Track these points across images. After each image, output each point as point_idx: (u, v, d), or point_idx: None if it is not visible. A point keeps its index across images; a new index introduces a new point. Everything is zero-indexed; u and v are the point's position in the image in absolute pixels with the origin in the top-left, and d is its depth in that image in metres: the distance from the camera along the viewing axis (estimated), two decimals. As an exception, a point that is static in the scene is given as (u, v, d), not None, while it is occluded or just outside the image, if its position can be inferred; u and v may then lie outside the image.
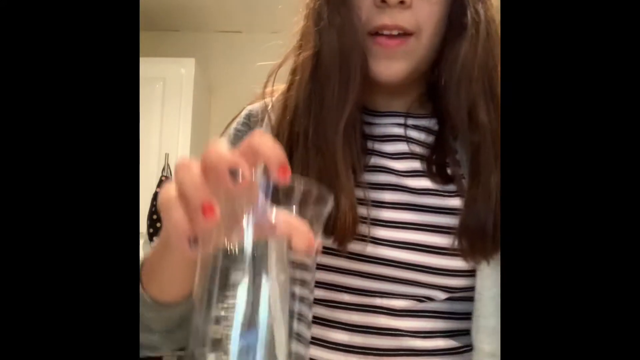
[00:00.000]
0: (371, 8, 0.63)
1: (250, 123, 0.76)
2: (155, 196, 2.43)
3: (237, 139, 0.75)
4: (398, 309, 0.65)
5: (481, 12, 0.64)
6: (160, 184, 2.52)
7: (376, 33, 0.63)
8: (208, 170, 0.39)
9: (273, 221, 0.39)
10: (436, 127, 0.70)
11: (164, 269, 0.56)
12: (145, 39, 2.53)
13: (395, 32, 0.62)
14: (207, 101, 2.89)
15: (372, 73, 0.64)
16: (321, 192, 0.41)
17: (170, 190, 0.41)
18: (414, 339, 0.65)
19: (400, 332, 0.65)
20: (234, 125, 0.77)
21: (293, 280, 0.39)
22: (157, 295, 0.58)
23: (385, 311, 0.65)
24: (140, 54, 0.48)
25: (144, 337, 0.63)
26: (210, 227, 0.38)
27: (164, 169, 2.58)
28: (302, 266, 0.40)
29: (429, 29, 0.63)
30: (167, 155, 2.58)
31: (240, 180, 0.39)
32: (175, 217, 0.40)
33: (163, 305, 0.59)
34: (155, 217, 2.44)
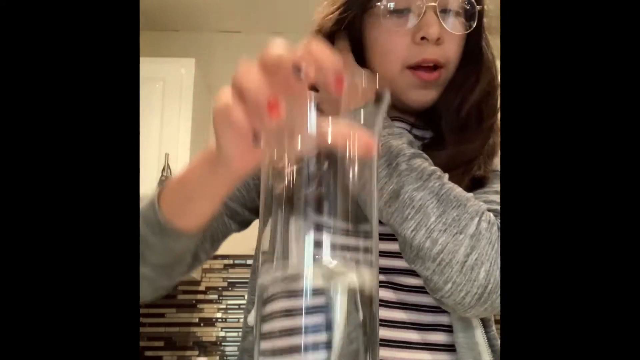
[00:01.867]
0: (410, 45, 0.71)
1: None
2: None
3: None
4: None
5: (484, 46, 0.76)
6: (160, 184, 2.52)
7: (416, 67, 0.71)
8: (270, 67, 0.39)
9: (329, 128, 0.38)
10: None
11: (195, 189, 0.54)
12: (145, 39, 2.53)
13: (431, 65, 0.71)
14: (207, 101, 2.89)
15: (408, 101, 0.74)
16: (377, 91, 0.40)
17: (225, 96, 0.40)
18: None
19: None
20: None
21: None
22: (173, 218, 0.57)
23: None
24: (140, 54, 0.49)
25: (145, 267, 0.61)
26: (275, 125, 0.37)
27: (164, 169, 2.58)
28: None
29: (455, 61, 0.73)
30: (167, 155, 2.58)
31: (304, 77, 0.37)
32: (236, 117, 0.38)
33: (172, 232, 0.57)
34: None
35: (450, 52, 0.72)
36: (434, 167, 0.66)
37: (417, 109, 0.76)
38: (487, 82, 0.75)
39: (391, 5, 0.70)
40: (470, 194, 0.66)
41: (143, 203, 0.61)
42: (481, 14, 0.73)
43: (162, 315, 2.69)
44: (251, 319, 0.75)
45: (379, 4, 0.70)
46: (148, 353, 2.68)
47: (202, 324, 2.71)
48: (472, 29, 0.72)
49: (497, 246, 0.61)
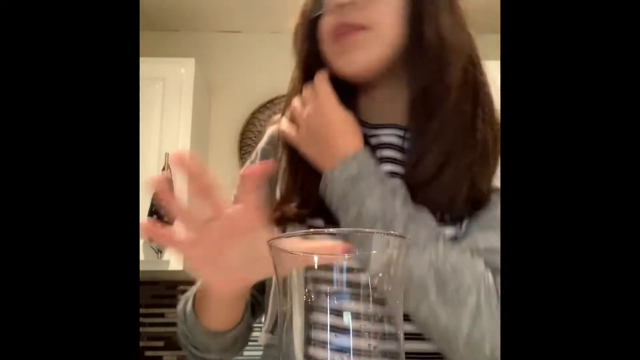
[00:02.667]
0: (331, 17, 0.71)
1: (273, 142, 0.83)
2: (155, 196, 2.42)
3: (264, 156, 0.83)
4: None
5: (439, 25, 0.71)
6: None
7: (336, 34, 0.70)
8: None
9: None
10: None
11: (211, 307, 0.67)
12: (145, 39, 2.53)
13: (350, 29, 0.69)
14: (207, 101, 2.89)
15: (338, 71, 0.71)
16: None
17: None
18: None
19: None
20: (260, 145, 0.86)
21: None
22: (209, 325, 0.69)
23: None
24: (140, 54, 0.49)
25: (202, 354, 0.73)
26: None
27: (163, 169, 2.58)
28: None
29: (386, 24, 0.69)
30: (167, 155, 2.58)
31: None
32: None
33: (216, 333, 0.69)
34: (155, 216, 2.44)
35: (375, 14, 0.68)
36: (428, 230, 0.64)
37: (352, 76, 0.72)
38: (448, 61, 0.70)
39: None
40: (468, 256, 0.63)
41: (187, 308, 0.73)
42: None
43: (162, 315, 2.69)
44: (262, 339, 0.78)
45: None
46: (148, 353, 2.68)
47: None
48: None
49: (498, 314, 0.61)
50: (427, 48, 0.69)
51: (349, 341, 0.38)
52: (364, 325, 0.39)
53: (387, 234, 0.40)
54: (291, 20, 0.81)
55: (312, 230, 0.40)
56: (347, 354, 0.37)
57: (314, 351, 0.39)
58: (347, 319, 0.38)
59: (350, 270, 0.39)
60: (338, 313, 0.39)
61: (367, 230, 0.40)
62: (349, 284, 0.39)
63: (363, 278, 0.39)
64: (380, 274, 0.39)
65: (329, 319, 0.38)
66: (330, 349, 0.38)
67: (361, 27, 0.68)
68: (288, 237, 0.41)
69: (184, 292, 0.76)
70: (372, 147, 0.72)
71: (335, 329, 0.38)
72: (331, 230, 0.40)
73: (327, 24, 0.71)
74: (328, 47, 0.72)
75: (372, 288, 0.39)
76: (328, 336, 0.38)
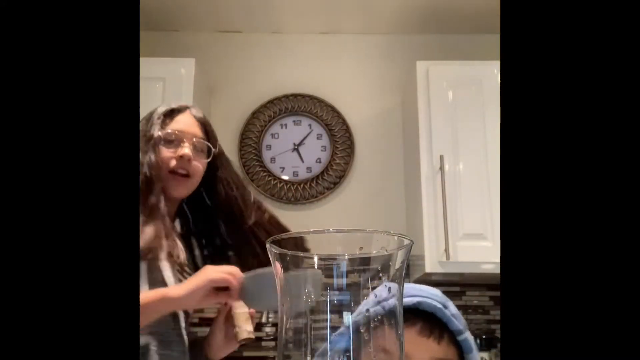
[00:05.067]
0: (172, 159, 1.27)
1: None
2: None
3: None
4: None
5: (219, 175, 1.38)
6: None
7: (173, 172, 1.27)
8: None
9: None
10: None
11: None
12: (145, 39, 2.52)
13: (184, 173, 1.28)
14: (207, 101, 2.89)
15: (172, 192, 1.28)
16: None
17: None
18: None
19: None
20: None
21: None
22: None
23: None
24: (140, 54, 0.48)
25: None
26: None
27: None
28: None
29: (198, 175, 1.31)
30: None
31: None
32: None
33: None
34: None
35: (195, 168, 1.29)
36: None
37: (176, 197, 1.30)
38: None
39: (171, 136, 1.28)
40: None
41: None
42: (215, 155, 1.32)
43: (162, 315, 2.69)
44: None
45: (157, 134, 1.26)
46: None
47: (202, 324, 2.72)
48: (209, 158, 1.32)
49: None
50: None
51: (349, 341, 0.38)
52: (364, 325, 0.39)
53: (387, 234, 0.40)
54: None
55: (311, 230, 0.40)
56: (347, 353, 0.37)
57: (314, 350, 0.39)
58: (347, 319, 0.38)
59: (350, 270, 0.39)
60: (338, 313, 0.39)
61: (367, 230, 0.40)
62: (349, 284, 0.39)
63: (363, 278, 0.39)
64: (380, 274, 0.39)
65: (329, 319, 0.38)
66: (331, 349, 0.38)
67: (188, 175, 1.28)
68: (288, 237, 0.41)
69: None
70: None
71: (336, 329, 0.38)
72: (331, 230, 0.40)
73: (166, 160, 1.26)
74: (165, 175, 1.25)
75: (372, 288, 0.39)
76: (328, 336, 0.38)
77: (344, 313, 0.38)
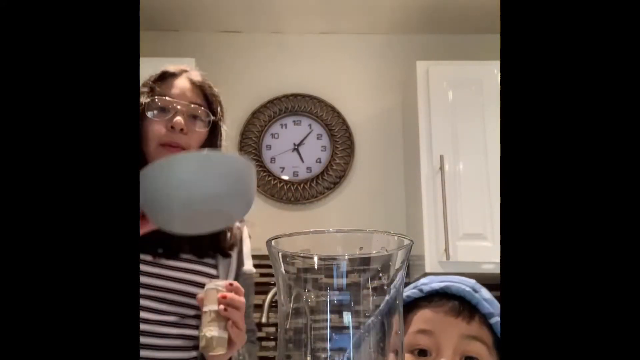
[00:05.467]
0: (163, 130, 1.07)
1: None
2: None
3: None
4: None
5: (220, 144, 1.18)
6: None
7: (165, 145, 1.07)
8: None
9: None
10: None
11: None
12: (145, 39, 2.52)
13: (177, 146, 1.07)
14: (207, 101, 2.89)
15: None
16: None
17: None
18: None
19: None
20: None
21: None
22: None
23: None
24: (140, 54, 0.48)
25: None
26: None
27: (163, 169, 2.57)
28: None
29: (194, 149, 1.09)
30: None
31: None
32: None
33: None
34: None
35: (191, 141, 1.09)
36: None
37: None
38: None
39: (157, 103, 1.07)
40: None
41: None
42: (216, 122, 1.14)
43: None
44: None
45: (145, 101, 1.04)
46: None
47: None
48: (207, 128, 1.11)
49: None
50: None
51: (349, 341, 0.38)
52: (364, 325, 0.39)
53: (387, 234, 0.40)
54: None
55: (311, 230, 0.40)
56: (347, 353, 0.38)
57: (314, 350, 0.39)
58: (347, 319, 0.38)
59: (350, 270, 0.39)
60: (338, 313, 0.39)
61: (367, 230, 0.40)
62: (349, 284, 0.39)
63: (363, 278, 0.39)
64: (380, 274, 0.39)
65: (329, 319, 0.38)
66: (331, 349, 0.38)
67: (182, 148, 1.07)
68: (288, 237, 0.41)
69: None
70: None
71: (336, 329, 0.38)
72: (331, 230, 0.40)
73: (156, 132, 1.06)
74: (154, 149, 1.06)
75: (372, 288, 0.39)
76: (328, 336, 0.38)
77: (344, 313, 0.38)
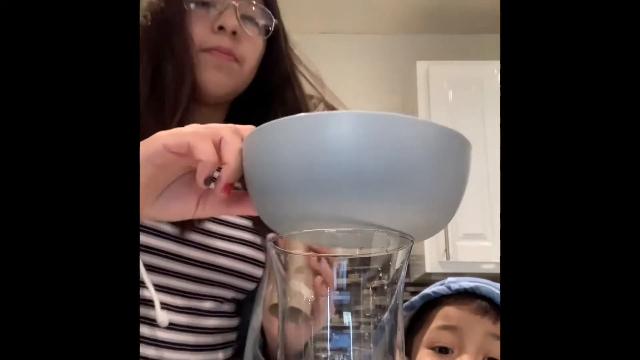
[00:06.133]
0: (208, 32, 0.79)
1: None
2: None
3: None
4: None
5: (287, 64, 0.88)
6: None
7: (211, 50, 0.79)
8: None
9: None
10: None
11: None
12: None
13: (227, 52, 0.79)
14: (207, 101, 2.89)
15: (205, 82, 0.79)
16: None
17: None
18: None
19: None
20: None
21: None
22: None
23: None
24: (141, 53, 0.49)
25: None
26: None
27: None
28: None
29: (250, 62, 0.82)
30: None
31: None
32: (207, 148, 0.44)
33: None
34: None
35: (245, 51, 0.80)
36: None
37: (213, 93, 0.81)
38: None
39: None
40: None
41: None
42: (277, 28, 0.86)
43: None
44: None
45: None
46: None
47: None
48: (267, 35, 0.84)
49: None
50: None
51: (349, 341, 0.38)
52: (364, 324, 0.39)
53: (388, 234, 0.41)
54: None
55: (312, 230, 0.40)
56: (347, 353, 0.38)
57: (314, 350, 0.39)
58: (347, 319, 0.38)
59: (350, 270, 0.39)
60: (338, 313, 0.39)
61: (367, 229, 0.40)
62: (349, 284, 0.39)
63: (363, 278, 0.39)
64: (381, 274, 0.40)
65: (329, 319, 0.38)
66: (331, 349, 0.38)
67: (235, 59, 0.80)
68: (288, 237, 0.41)
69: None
70: None
71: (336, 329, 0.38)
72: (331, 230, 0.40)
73: (199, 32, 0.79)
74: (199, 58, 0.79)
75: (372, 288, 0.39)
76: (328, 335, 0.38)
77: (344, 313, 0.38)
